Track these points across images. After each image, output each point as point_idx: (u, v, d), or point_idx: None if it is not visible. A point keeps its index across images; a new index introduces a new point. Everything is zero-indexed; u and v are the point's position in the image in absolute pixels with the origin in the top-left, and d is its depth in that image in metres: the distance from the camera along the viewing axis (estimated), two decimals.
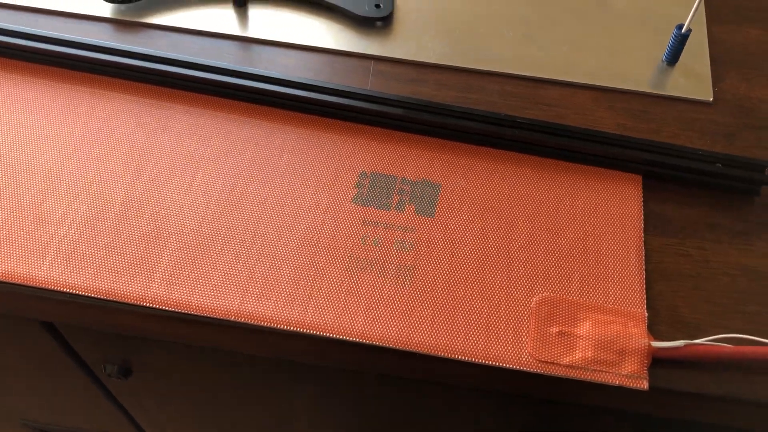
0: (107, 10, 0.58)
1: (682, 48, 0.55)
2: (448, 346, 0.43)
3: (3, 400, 0.81)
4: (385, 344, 0.43)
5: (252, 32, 0.57)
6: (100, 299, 0.44)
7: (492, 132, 0.51)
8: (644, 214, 0.49)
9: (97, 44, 0.53)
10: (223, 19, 0.58)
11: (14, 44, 0.53)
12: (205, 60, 0.53)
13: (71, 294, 0.45)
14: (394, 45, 0.57)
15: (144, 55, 0.53)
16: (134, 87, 0.54)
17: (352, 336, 0.43)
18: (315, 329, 0.44)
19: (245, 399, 0.66)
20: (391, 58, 0.56)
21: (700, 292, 0.46)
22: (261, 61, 0.56)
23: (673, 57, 0.56)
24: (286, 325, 0.44)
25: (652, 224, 0.49)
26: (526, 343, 0.43)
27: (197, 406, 0.70)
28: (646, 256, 0.47)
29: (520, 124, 0.51)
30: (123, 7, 0.58)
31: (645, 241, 0.48)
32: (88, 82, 0.54)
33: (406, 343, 0.43)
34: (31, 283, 0.45)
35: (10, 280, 0.45)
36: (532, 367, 0.43)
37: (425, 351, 0.43)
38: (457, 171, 0.51)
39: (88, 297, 0.45)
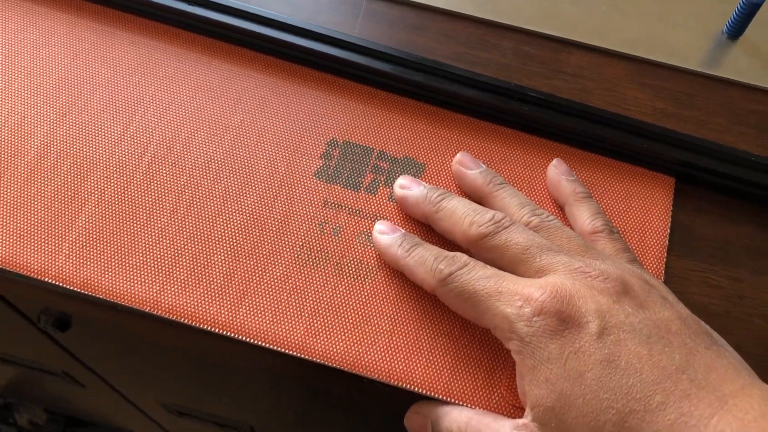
0: None
1: (750, 19, 0.44)
2: (404, 373, 0.35)
3: None
4: (327, 362, 0.35)
5: None
6: None
7: (496, 105, 0.41)
8: (671, 228, 0.40)
9: None
10: None
11: None
12: None
13: None
14: None
15: None
16: (70, 4, 0.44)
17: (288, 348, 0.35)
18: (244, 335, 0.35)
19: (187, 365, 0.59)
20: None
21: (726, 336, 0.37)
22: None
23: (737, 29, 0.45)
24: (208, 325, 0.36)
25: (678, 242, 0.40)
26: (502, 381, 0.35)
27: (137, 368, 0.63)
28: (665, 281, 0.38)
29: (532, 99, 0.41)
30: None
31: (666, 264, 0.39)
32: None
33: (353, 365, 0.35)
34: None
35: None
36: (505, 413, 0.35)
37: (375, 376, 0.35)
38: (449, 149, 0.41)
39: None
